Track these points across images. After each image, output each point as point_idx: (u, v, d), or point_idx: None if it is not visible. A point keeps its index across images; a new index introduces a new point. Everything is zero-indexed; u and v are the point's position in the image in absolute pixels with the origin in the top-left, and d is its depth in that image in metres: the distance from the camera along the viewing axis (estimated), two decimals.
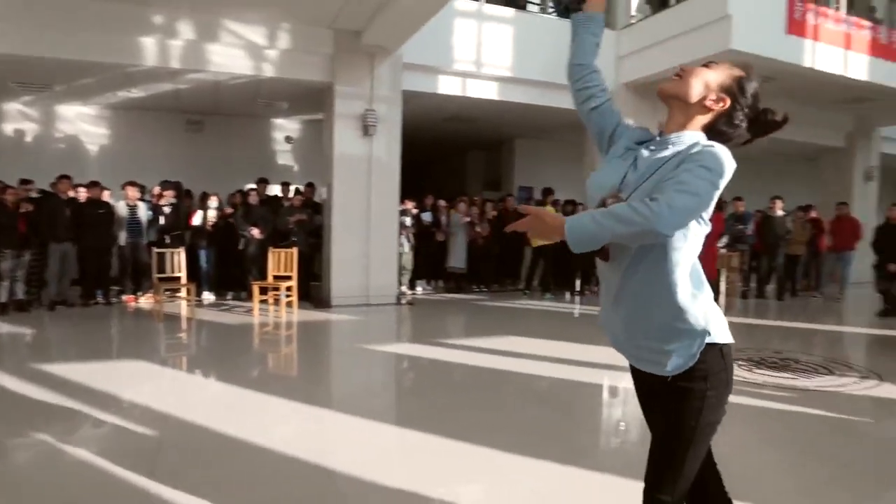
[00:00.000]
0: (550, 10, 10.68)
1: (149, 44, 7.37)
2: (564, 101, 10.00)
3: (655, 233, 1.33)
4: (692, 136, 1.51)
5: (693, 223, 1.43)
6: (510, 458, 3.09)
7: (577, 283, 10.09)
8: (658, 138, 1.56)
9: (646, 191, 1.43)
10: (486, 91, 9.57)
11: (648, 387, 1.60)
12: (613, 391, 4.76)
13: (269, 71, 7.94)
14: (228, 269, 8.73)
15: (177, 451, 3.12)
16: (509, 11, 9.56)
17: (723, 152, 1.41)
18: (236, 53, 7.74)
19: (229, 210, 8.47)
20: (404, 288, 9.00)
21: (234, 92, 9.17)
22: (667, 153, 1.49)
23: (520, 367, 5.19)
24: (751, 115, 1.56)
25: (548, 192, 10.14)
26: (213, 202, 8.49)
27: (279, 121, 11.68)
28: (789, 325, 7.85)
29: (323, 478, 2.86)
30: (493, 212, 10.43)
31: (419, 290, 9.76)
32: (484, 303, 9.07)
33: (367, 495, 2.66)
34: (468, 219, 9.82)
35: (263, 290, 7.31)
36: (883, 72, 9.57)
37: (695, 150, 1.43)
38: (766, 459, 3.19)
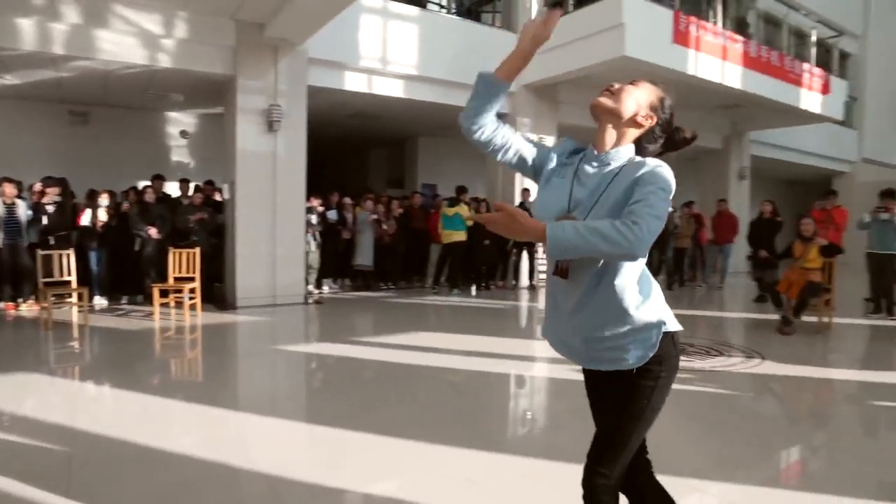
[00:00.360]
0: (454, 11, 10.85)
1: (26, 26, 6.74)
2: (467, 100, 10.41)
3: (633, 255, 1.42)
4: (627, 150, 1.63)
5: None
6: (427, 448, 3.21)
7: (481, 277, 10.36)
8: (596, 153, 1.64)
9: (603, 207, 1.53)
10: (392, 88, 9.58)
11: (604, 382, 1.68)
12: (523, 380, 4.98)
13: (164, 61, 7.50)
14: (122, 271, 8.20)
15: (90, 466, 2.93)
16: (414, 10, 9.62)
17: (669, 172, 1.53)
18: (129, 41, 7.25)
19: (126, 207, 7.92)
20: (311, 287, 8.85)
21: (125, 82, 8.62)
22: (611, 168, 1.60)
23: (433, 361, 5.31)
24: (666, 132, 1.68)
25: (461, 189, 10.28)
26: (103, 200, 7.92)
27: (174, 114, 11.09)
28: (680, 312, 8.42)
29: (240, 480, 2.81)
30: (399, 209, 10.47)
31: (326, 289, 9.62)
32: (392, 300, 9.10)
33: (285, 495, 2.64)
34: (375, 216, 9.79)
35: (164, 293, 6.94)
36: (753, 82, 10.52)
37: (644, 169, 1.53)
38: (676, 434, 3.47)
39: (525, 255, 10.64)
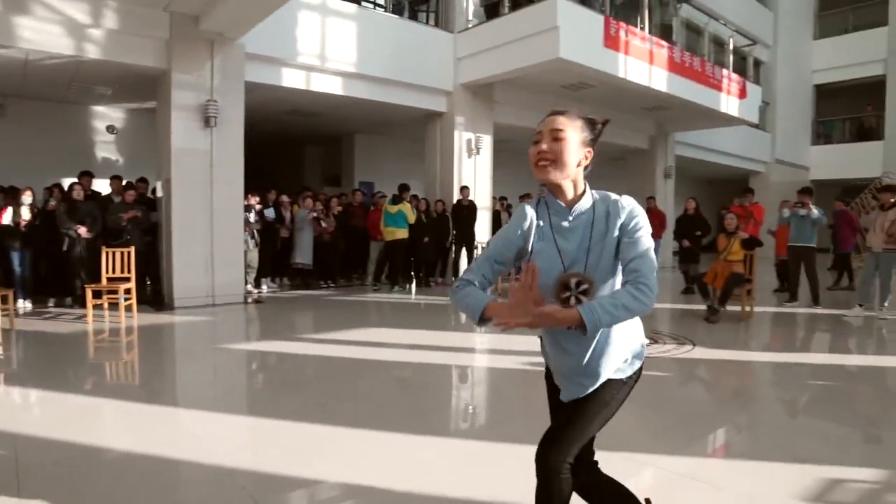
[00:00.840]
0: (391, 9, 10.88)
1: None
2: (406, 98, 10.41)
3: (651, 310, 1.59)
4: (588, 195, 1.72)
5: None
6: (383, 437, 3.30)
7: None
8: (564, 206, 1.71)
9: (596, 257, 1.66)
10: (330, 85, 9.53)
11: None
12: (468, 372, 5.13)
13: (92, 52, 7.19)
14: (48, 272, 7.80)
15: (39, 469, 2.83)
16: (352, 7, 9.60)
17: (638, 206, 1.69)
18: (52, 30, 6.91)
19: (53, 205, 7.51)
20: (250, 287, 8.69)
21: (47, 73, 8.21)
22: (585, 217, 1.69)
23: (380, 355, 5.43)
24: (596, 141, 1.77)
25: (404, 188, 10.31)
26: (26, 198, 7.50)
27: (100, 108, 10.62)
28: None
29: (200, 475, 2.79)
30: (338, 207, 10.41)
31: (265, 288, 9.46)
32: (334, 298, 9.06)
33: (249, 487, 2.65)
34: (315, 214, 9.71)
35: (97, 294, 6.66)
36: (677, 85, 11.09)
37: (623, 214, 1.65)
38: (621, 412, 3.66)
39: (464, 252, 10.80)
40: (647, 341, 1.81)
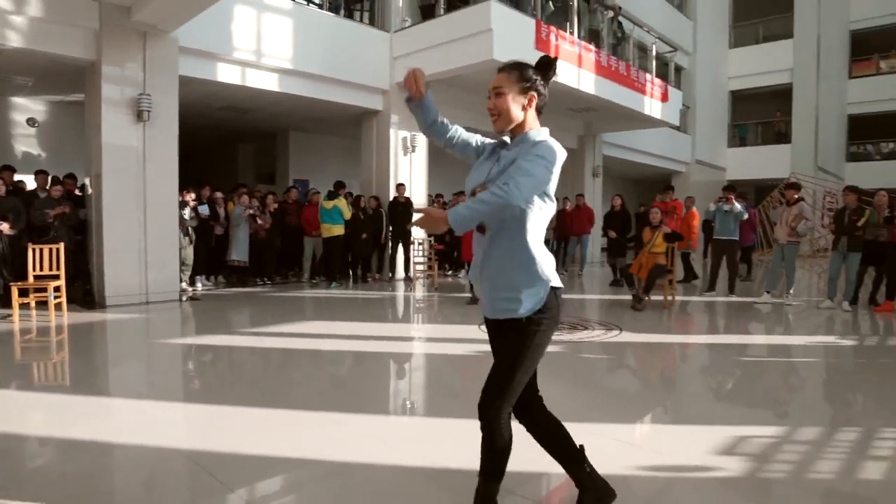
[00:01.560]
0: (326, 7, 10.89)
1: None
2: (342, 96, 10.45)
3: (511, 206, 1.84)
4: (534, 133, 2.02)
5: (539, 201, 1.95)
6: (330, 416, 3.44)
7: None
8: (512, 142, 2.06)
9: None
10: (265, 81, 9.47)
11: (500, 329, 2.04)
12: (405, 357, 5.33)
13: (14, 41, 6.88)
14: None
15: None
16: (288, 3, 9.58)
17: (554, 144, 1.95)
18: None
19: None
20: (184, 285, 8.55)
21: None
22: (518, 149, 1.99)
23: (322, 345, 5.61)
24: (542, 79, 2.08)
25: (339, 184, 10.38)
26: None
27: (20, 100, 10.14)
28: None
29: (159, 458, 2.86)
30: (274, 204, 10.36)
31: (199, 286, 9.32)
32: (271, 294, 9.03)
33: (211, 468, 2.73)
34: (251, 211, 9.63)
35: (24, 292, 6.42)
36: (605, 88, 11.61)
37: (537, 143, 1.95)
38: (554, 389, 3.93)
39: (400, 248, 10.96)
40: (560, 286, 2.03)
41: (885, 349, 5.71)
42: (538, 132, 2.02)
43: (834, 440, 3.13)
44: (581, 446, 2.19)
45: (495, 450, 2.03)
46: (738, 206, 8.83)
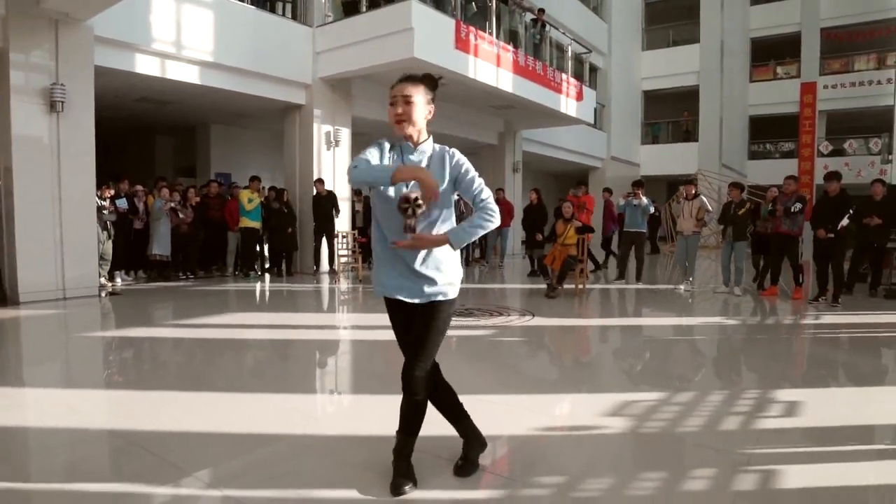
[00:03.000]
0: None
1: None
2: (264, 90, 10.47)
3: (497, 225, 2.30)
4: (429, 142, 2.38)
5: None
6: (259, 396, 3.66)
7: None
8: (413, 146, 2.34)
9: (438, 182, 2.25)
10: (186, 74, 9.36)
11: (419, 309, 2.36)
12: (330, 343, 5.55)
13: None
14: None
15: None
16: None
17: (457, 153, 2.37)
18: None
19: None
20: (103, 280, 8.39)
21: None
22: (426, 155, 2.34)
23: (249, 334, 5.80)
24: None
25: (254, 179, 10.43)
26: None
27: None
28: (470, 286, 9.59)
29: (95, 439, 2.99)
30: (195, 198, 10.28)
31: (119, 281, 9.13)
32: (195, 288, 8.99)
33: (145, 444, 2.90)
34: (172, 204, 9.52)
35: None
36: (522, 87, 12.12)
37: (454, 161, 2.32)
38: (469, 368, 4.29)
39: (325, 241, 11.07)
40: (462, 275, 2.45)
41: (762, 327, 6.43)
42: (429, 141, 2.37)
43: (705, 401, 3.62)
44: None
45: (417, 410, 2.40)
46: (644, 200, 9.52)
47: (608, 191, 13.01)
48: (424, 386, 2.37)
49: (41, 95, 7.31)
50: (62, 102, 7.38)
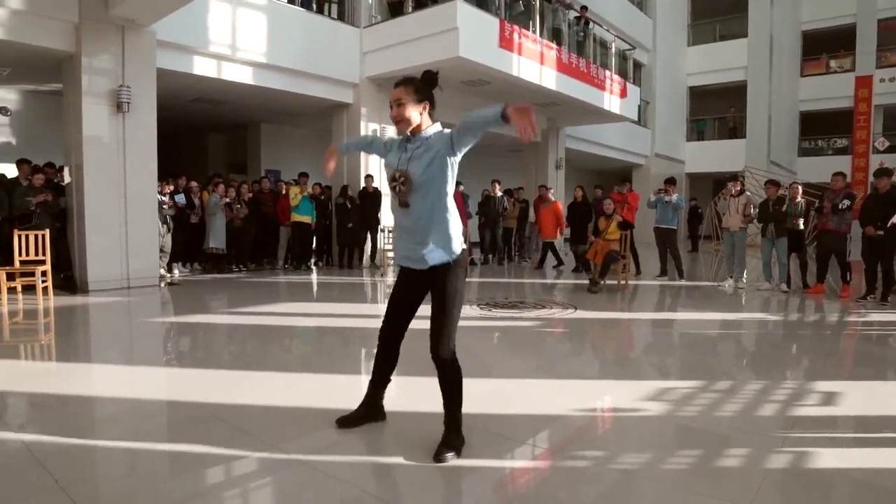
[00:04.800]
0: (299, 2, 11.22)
1: None
2: (313, 89, 10.81)
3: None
4: (429, 129, 2.66)
5: (451, 172, 2.60)
6: (302, 375, 3.89)
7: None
8: (414, 137, 2.66)
9: (417, 165, 2.57)
10: (240, 74, 9.77)
11: (426, 280, 2.67)
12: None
13: None
14: None
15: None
16: None
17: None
18: None
19: None
20: (163, 271, 8.87)
21: None
22: (421, 143, 2.63)
23: (305, 322, 6.10)
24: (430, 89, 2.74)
25: (303, 175, 10.83)
26: None
27: None
28: (512, 281, 9.76)
29: (182, 408, 3.30)
30: (248, 193, 10.72)
31: (176, 272, 9.61)
32: (248, 279, 9.41)
33: (224, 416, 3.19)
34: (227, 200, 9.97)
35: (10, 277, 6.69)
36: (566, 85, 12.19)
37: (438, 132, 2.65)
38: (517, 355, 4.48)
39: (369, 236, 11.38)
40: (464, 245, 2.71)
41: (805, 324, 6.42)
42: (432, 127, 2.67)
43: (743, 390, 3.73)
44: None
45: (450, 381, 2.67)
46: (674, 196, 9.54)
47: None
48: (449, 359, 2.65)
49: (109, 97, 7.78)
50: (128, 103, 7.83)
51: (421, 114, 2.64)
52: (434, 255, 2.61)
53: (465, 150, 2.59)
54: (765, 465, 2.60)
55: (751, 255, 9.75)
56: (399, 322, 2.86)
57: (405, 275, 2.77)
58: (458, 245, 2.65)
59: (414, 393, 3.53)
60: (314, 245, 11.53)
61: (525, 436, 2.91)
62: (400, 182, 2.59)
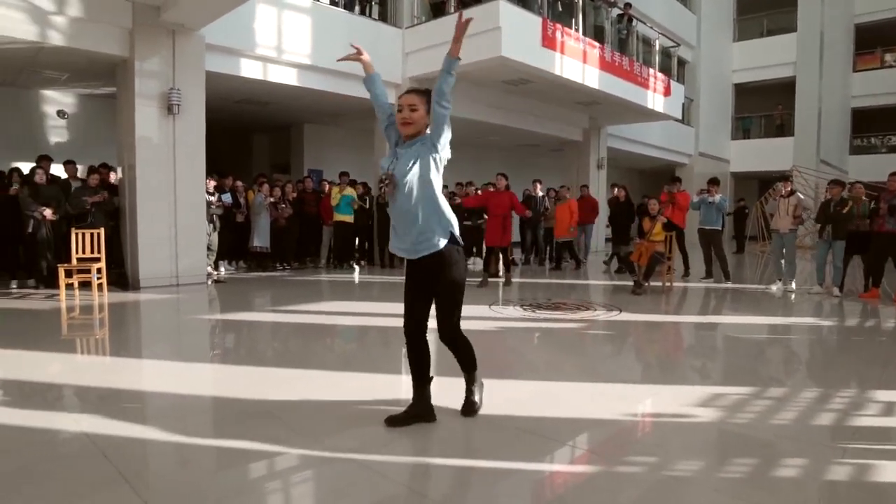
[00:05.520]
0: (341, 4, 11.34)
1: None
2: (357, 90, 10.92)
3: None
4: (424, 136, 2.87)
5: (435, 167, 2.82)
6: (341, 374, 3.94)
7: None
8: (405, 143, 2.87)
9: (403, 165, 2.78)
10: (285, 76, 9.95)
11: (425, 268, 2.87)
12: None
13: (55, 39, 7.35)
14: (10, 255, 8.00)
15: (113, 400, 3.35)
16: (307, 1, 10.02)
17: None
18: (16, 16, 7.08)
19: (16, 189, 7.72)
20: (210, 268, 9.08)
21: (1, 58, 8.30)
22: (412, 146, 2.84)
23: (349, 321, 6.19)
24: None
25: (344, 174, 10.96)
26: None
27: (49, 92, 10.65)
28: (555, 281, 9.68)
29: (238, 403, 3.38)
30: (293, 193, 10.90)
31: (222, 270, 9.84)
32: (292, 278, 9.58)
33: (275, 411, 3.25)
34: (272, 199, 10.16)
35: (68, 273, 6.95)
36: (609, 83, 12.05)
37: (426, 135, 2.86)
38: (563, 357, 4.46)
39: None
40: (458, 233, 2.89)
41: (861, 329, 6.20)
42: (422, 134, 2.88)
43: (798, 398, 3.63)
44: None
45: (462, 353, 3.06)
46: (717, 197, 9.32)
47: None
48: (455, 337, 2.99)
49: (160, 99, 8.01)
50: (178, 105, 8.06)
51: (425, 124, 2.84)
52: (422, 246, 2.82)
53: (445, 139, 2.79)
54: (823, 476, 2.53)
55: (798, 258, 9.46)
56: (416, 314, 2.98)
57: (409, 266, 2.98)
58: (446, 234, 2.83)
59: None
60: (356, 244, 11.66)
61: (572, 438, 2.89)
62: (385, 183, 2.79)
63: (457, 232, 2.89)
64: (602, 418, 3.21)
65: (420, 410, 3.02)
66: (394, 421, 2.99)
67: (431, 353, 3.04)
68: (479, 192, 11.39)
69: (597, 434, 3.04)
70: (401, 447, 2.76)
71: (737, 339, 5.73)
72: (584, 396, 3.59)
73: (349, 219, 10.93)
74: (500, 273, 9.18)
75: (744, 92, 23.91)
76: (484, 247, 9.96)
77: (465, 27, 2.74)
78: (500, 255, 9.05)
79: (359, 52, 3.12)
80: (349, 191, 10.86)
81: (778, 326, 6.29)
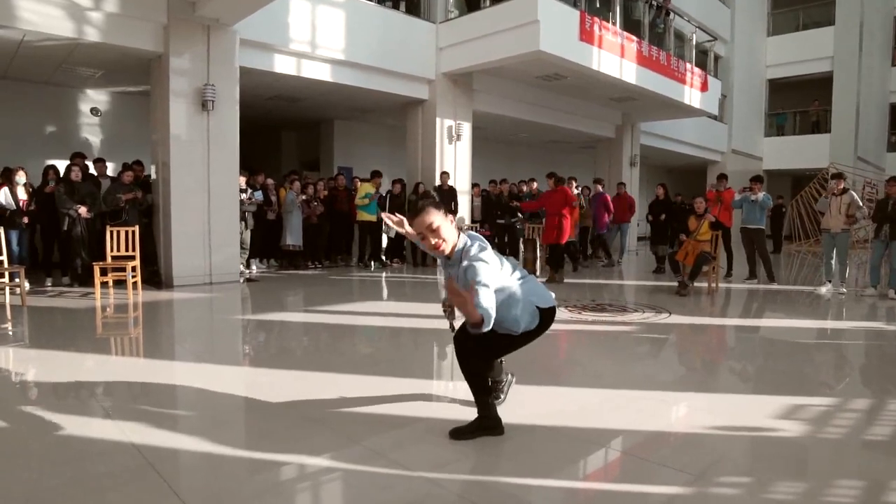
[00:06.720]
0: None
1: None
2: (389, 86, 10.73)
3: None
4: (460, 244, 2.61)
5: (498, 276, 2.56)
6: (365, 378, 3.74)
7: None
8: (449, 259, 2.65)
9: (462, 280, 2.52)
10: (319, 72, 9.80)
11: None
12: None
13: (92, 35, 7.29)
14: (46, 252, 7.96)
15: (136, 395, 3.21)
16: None
17: (469, 238, 2.63)
18: (53, 12, 7.01)
19: (52, 186, 7.68)
20: (242, 266, 8.98)
21: (38, 55, 8.27)
22: (457, 267, 2.58)
23: (378, 322, 6.07)
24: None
25: (376, 174, 10.79)
26: (20, 177, 7.62)
27: (84, 91, 10.64)
28: (592, 281, 9.41)
29: (265, 405, 3.21)
30: (324, 191, 10.78)
31: (254, 268, 9.73)
32: (325, 276, 9.44)
33: (303, 408, 3.07)
34: (304, 197, 10.04)
35: (103, 271, 6.88)
36: (646, 78, 11.73)
37: (466, 253, 2.56)
38: (623, 363, 4.23)
39: None
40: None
41: None
42: (460, 241, 2.62)
43: (886, 409, 3.35)
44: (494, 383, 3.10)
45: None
46: (760, 195, 8.97)
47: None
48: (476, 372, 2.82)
49: (194, 96, 7.91)
50: (212, 101, 7.95)
51: (454, 228, 2.63)
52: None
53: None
54: None
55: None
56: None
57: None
58: (534, 317, 2.71)
59: (534, 403, 3.32)
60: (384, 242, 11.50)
61: (651, 455, 2.67)
62: (447, 313, 2.92)
63: (544, 304, 2.73)
64: (684, 431, 2.98)
65: (486, 423, 2.82)
66: (458, 433, 2.79)
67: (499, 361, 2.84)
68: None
69: (682, 450, 2.80)
70: (465, 464, 2.56)
71: (801, 345, 5.41)
72: (654, 407, 3.35)
73: (373, 217, 10.70)
74: (537, 271, 8.96)
75: (778, 87, 23.29)
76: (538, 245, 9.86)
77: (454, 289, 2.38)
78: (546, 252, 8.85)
79: (400, 223, 2.89)
80: (367, 187, 10.65)
81: (842, 331, 6.02)
